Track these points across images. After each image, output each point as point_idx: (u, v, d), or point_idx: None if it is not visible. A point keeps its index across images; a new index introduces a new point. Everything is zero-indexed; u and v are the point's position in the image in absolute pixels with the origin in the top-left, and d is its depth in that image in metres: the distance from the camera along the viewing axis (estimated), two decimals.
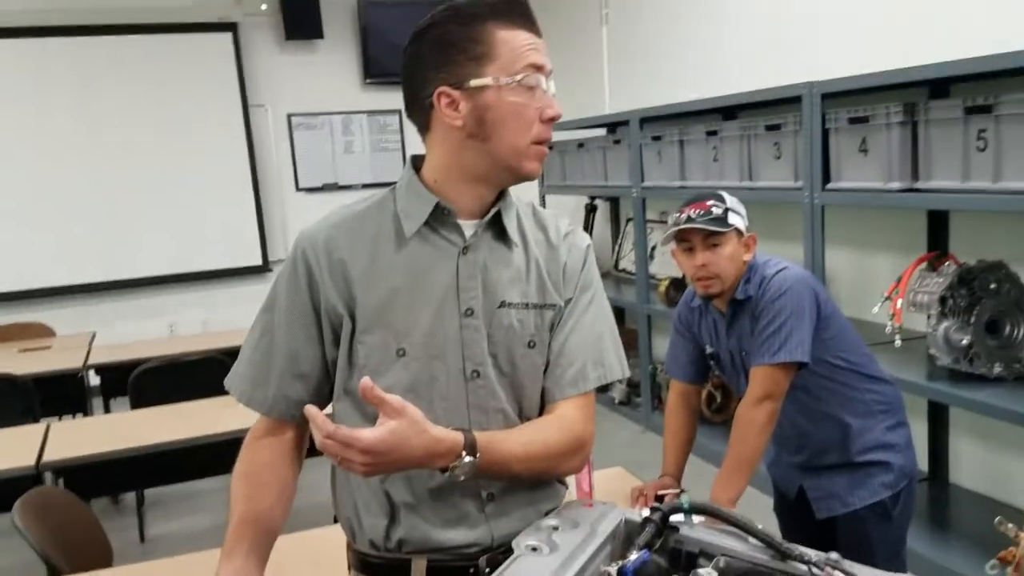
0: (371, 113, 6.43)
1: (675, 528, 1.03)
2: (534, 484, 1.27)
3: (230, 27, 5.92)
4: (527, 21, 1.19)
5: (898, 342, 2.77)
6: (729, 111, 4.03)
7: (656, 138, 4.17)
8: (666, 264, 4.68)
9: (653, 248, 4.83)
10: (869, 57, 3.23)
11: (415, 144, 1.21)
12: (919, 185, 2.72)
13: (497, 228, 1.26)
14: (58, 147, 5.64)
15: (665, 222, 4.88)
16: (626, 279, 5.26)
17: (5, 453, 2.61)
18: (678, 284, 4.21)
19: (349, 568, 1.31)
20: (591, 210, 5.72)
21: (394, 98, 6.09)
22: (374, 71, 6.32)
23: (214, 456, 2.67)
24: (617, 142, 4.63)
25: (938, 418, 3.23)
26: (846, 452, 1.97)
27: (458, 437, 1.10)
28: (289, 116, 6.24)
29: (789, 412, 1.98)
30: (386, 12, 6.21)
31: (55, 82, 5.60)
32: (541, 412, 1.27)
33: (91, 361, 3.94)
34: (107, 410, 3.97)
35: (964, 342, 2.57)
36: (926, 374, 2.70)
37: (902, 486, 1.96)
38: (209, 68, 5.91)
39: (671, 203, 4.73)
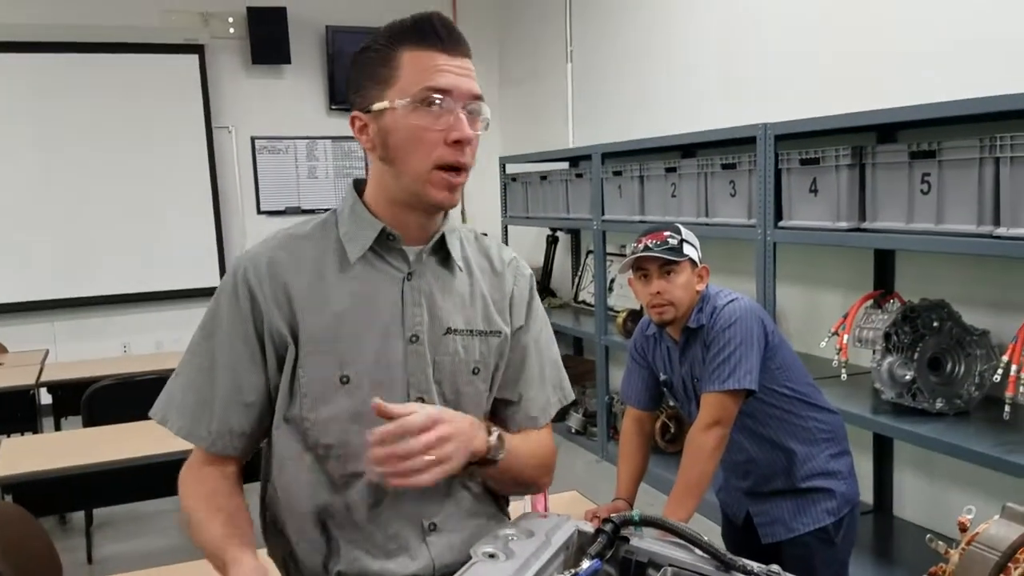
0: (336, 139, 6.46)
1: (626, 539, 1.07)
2: (476, 512, 1.28)
3: (197, 49, 5.93)
4: (445, 42, 1.15)
5: (844, 376, 2.86)
6: (687, 149, 4.15)
7: (617, 173, 4.26)
8: (624, 297, 4.77)
9: (612, 280, 4.91)
10: (821, 101, 3.36)
11: None
12: (866, 225, 2.82)
13: (442, 254, 1.25)
14: (16, 162, 5.57)
15: (624, 255, 4.97)
16: (585, 310, 5.33)
17: None
18: (635, 316, 4.29)
19: None
20: (552, 241, 5.80)
21: None
22: (340, 97, 6.35)
23: (165, 476, 2.63)
24: (579, 175, 4.73)
25: (883, 451, 3.32)
26: (791, 478, 2.03)
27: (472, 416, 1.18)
28: (253, 139, 6.24)
29: (737, 438, 2.05)
30: (353, 39, 6.26)
31: (16, 97, 5.54)
32: None
33: (43, 379, 3.88)
34: (58, 428, 3.90)
35: (907, 377, 2.66)
36: (871, 408, 2.79)
37: (845, 512, 2.03)
38: (174, 89, 5.90)
39: (631, 236, 4.81)
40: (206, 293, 6.02)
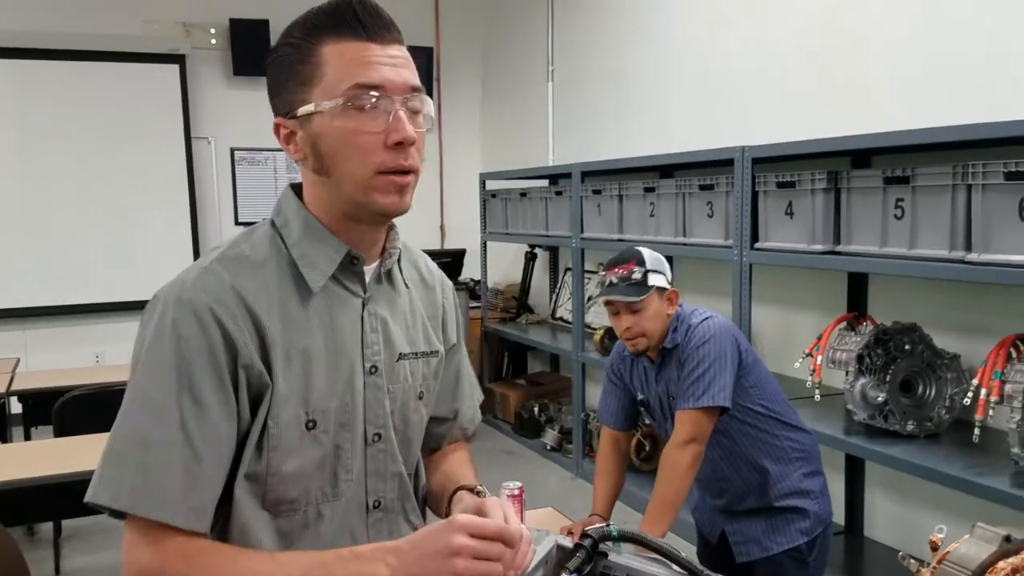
0: None
1: (604, 554, 1.08)
2: None
3: (178, 59, 5.91)
4: (371, 29, 1.00)
5: (818, 397, 2.89)
6: (666, 169, 4.19)
7: (596, 191, 4.29)
8: (601, 314, 4.78)
9: (590, 298, 4.94)
10: (798, 126, 3.41)
11: None
12: (840, 248, 2.86)
13: (385, 271, 1.13)
14: None
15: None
16: (562, 327, 5.34)
17: None
18: (612, 334, 4.30)
19: None
20: (531, 258, 5.82)
21: None
22: None
23: None
24: (559, 193, 4.76)
25: (854, 472, 3.36)
26: (765, 497, 2.05)
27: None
28: (232, 150, 6.22)
29: (712, 457, 2.07)
30: None
31: None
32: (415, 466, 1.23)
33: (14, 388, 3.82)
34: (28, 438, 3.84)
35: (879, 399, 2.69)
36: (843, 429, 2.82)
37: (818, 532, 2.05)
38: (154, 98, 5.87)
39: (609, 255, 4.84)
40: None
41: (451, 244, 6.60)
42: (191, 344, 0.96)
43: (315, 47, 1.00)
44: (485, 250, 5.77)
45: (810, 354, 2.97)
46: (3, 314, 5.58)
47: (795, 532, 2.04)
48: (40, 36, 5.52)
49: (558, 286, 5.64)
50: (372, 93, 0.99)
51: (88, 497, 0.97)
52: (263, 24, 5.83)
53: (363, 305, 1.10)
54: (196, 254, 6.02)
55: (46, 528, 3.64)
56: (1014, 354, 2.39)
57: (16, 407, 3.89)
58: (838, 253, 2.87)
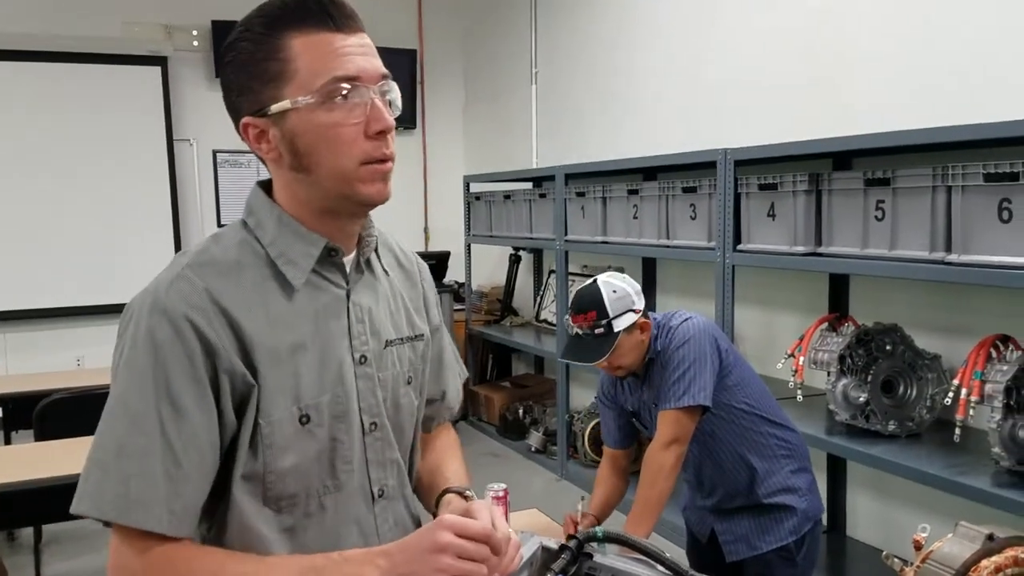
0: None
1: (589, 555, 1.08)
2: None
3: (160, 61, 5.87)
4: (335, 20, 0.99)
5: (800, 397, 2.91)
6: (649, 172, 4.20)
7: (580, 194, 4.30)
8: None
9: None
10: (780, 128, 3.43)
11: None
12: (822, 250, 2.88)
13: (364, 259, 1.14)
14: None
15: (585, 275, 5.00)
16: (546, 329, 5.35)
17: None
18: None
19: None
20: (515, 260, 5.82)
21: None
22: None
23: None
24: (543, 196, 4.76)
25: (836, 471, 3.38)
26: (754, 495, 2.07)
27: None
28: (215, 152, 6.19)
29: (700, 456, 2.08)
30: None
31: None
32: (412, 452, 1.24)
33: None
34: (8, 442, 3.81)
35: (861, 399, 2.71)
36: (825, 429, 2.84)
37: (806, 530, 2.07)
38: (135, 101, 5.82)
39: (593, 257, 4.87)
40: None
41: (435, 247, 6.59)
42: (167, 351, 0.96)
43: (281, 41, 0.98)
44: (469, 252, 5.77)
45: (792, 355, 2.99)
46: None
47: (784, 531, 2.05)
48: (19, 38, 5.46)
49: (542, 288, 5.65)
50: (347, 85, 0.98)
51: (73, 508, 0.97)
52: None
53: (347, 296, 1.11)
54: None
55: (26, 533, 3.60)
56: (994, 354, 2.41)
57: None
58: (820, 254, 2.88)
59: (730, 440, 2.06)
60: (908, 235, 2.54)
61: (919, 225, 2.48)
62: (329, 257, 1.08)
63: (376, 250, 1.17)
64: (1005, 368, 2.32)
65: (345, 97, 0.99)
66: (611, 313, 2.03)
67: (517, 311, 5.91)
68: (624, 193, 3.95)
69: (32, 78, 5.55)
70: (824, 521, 3.37)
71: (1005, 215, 2.22)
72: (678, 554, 2.32)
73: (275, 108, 0.99)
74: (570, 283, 4.74)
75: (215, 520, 1.05)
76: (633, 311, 2.05)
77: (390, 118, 1.01)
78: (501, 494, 1.91)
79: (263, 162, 1.08)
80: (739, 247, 3.20)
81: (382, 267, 1.18)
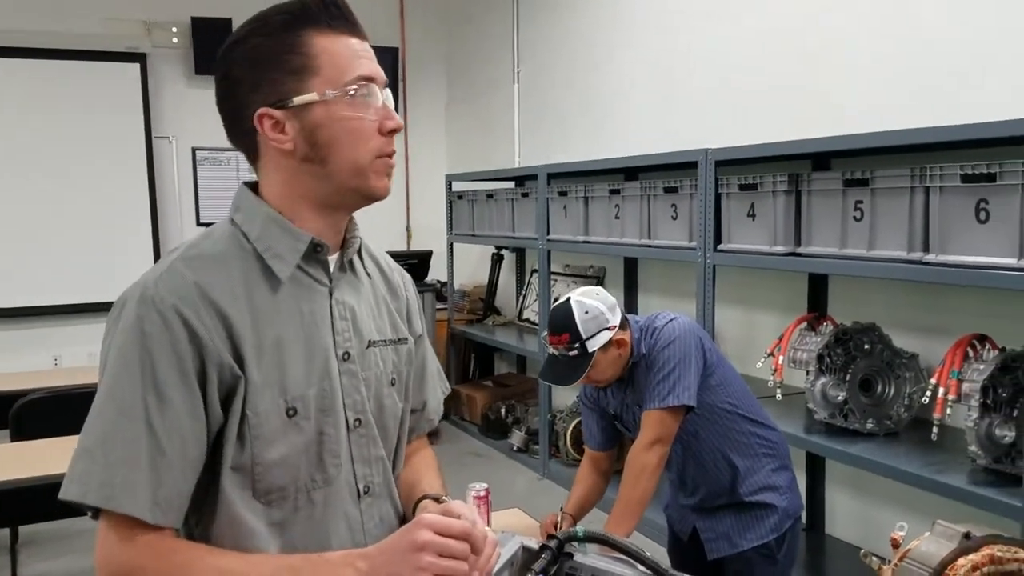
0: None
1: (570, 555, 1.08)
2: None
3: (139, 58, 5.82)
4: (349, 25, 1.07)
5: (779, 396, 2.93)
6: (631, 172, 4.21)
7: (562, 193, 4.31)
8: None
9: (556, 299, 4.95)
10: (760, 129, 3.45)
11: None
12: (801, 250, 2.90)
13: (348, 260, 1.17)
14: None
15: (568, 275, 5.01)
16: (529, 328, 5.35)
17: None
18: None
19: None
20: (497, 260, 5.82)
21: None
22: None
23: None
24: (525, 195, 4.76)
25: (815, 470, 3.40)
26: (735, 493, 2.08)
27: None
28: (194, 150, 6.13)
29: (683, 455, 2.09)
30: None
31: None
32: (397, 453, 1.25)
33: None
34: None
35: (839, 398, 2.74)
36: (804, 427, 2.86)
37: (786, 527, 2.08)
38: (114, 97, 5.77)
39: (576, 256, 4.87)
40: None
41: (417, 246, 6.58)
42: (155, 341, 0.99)
43: (302, 38, 1.04)
44: (451, 252, 5.77)
45: (772, 354, 3.01)
46: None
47: (765, 529, 2.06)
48: None
49: (524, 288, 5.65)
50: (372, 86, 1.06)
51: (61, 494, 1.00)
52: (225, 23, 5.74)
53: (330, 294, 1.13)
54: (157, 255, 5.92)
55: (3, 534, 3.55)
56: (971, 353, 2.44)
57: None
58: (799, 255, 2.90)
59: (713, 440, 2.08)
60: (886, 235, 2.56)
61: (897, 225, 2.51)
62: (315, 253, 1.10)
63: (360, 253, 1.20)
64: (982, 367, 2.35)
65: (365, 96, 1.06)
66: (584, 335, 2.01)
67: (499, 310, 5.91)
68: (606, 193, 3.96)
69: (8, 74, 5.48)
70: (803, 519, 3.39)
71: (982, 216, 2.25)
72: (659, 553, 2.33)
73: (299, 100, 1.04)
74: (552, 282, 4.75)
75: (204, 511, 1.06)
76: (607, 329, 2.03)
77: (398, 117, 1.09)
78: (483, 494, 1.91)
79: (250, 159, 1.12)
80: (720, 247, 3.22)
81: (365, 271, 1.21)
